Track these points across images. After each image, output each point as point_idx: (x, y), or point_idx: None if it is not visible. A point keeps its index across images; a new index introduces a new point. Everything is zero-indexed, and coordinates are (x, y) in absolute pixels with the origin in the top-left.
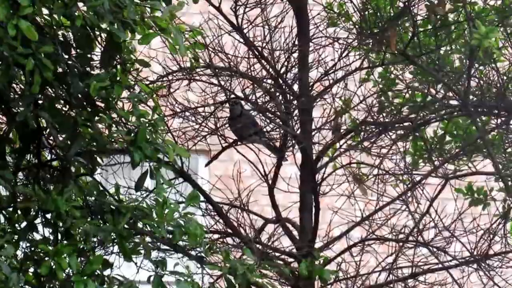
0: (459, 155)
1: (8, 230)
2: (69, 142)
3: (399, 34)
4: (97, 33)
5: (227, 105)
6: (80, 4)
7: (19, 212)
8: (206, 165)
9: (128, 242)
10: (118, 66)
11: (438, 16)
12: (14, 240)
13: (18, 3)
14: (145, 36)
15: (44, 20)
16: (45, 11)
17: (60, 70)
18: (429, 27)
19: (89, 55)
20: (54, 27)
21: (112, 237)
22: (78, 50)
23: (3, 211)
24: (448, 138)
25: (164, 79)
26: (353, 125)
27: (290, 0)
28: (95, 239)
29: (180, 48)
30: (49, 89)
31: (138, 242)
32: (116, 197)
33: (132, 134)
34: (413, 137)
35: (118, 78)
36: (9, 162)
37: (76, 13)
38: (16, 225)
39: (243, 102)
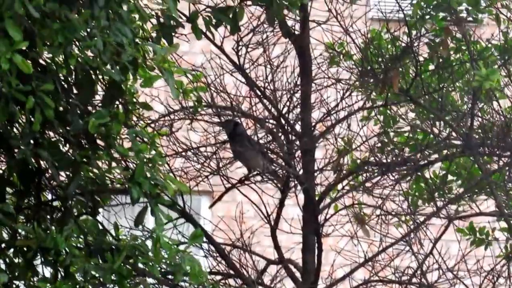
0: (462, 195)
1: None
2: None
3: (402, 74)
4: (99, 73)
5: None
6: None
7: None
8: (210, 207)
9: (128, 282)
10: (120, 106)
11: (440, 56)
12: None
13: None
14: (148, 80)
15: (44, 59)
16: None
17: (60, 108)
18: (432, 66)
19: (90, 94)
20: (55, 66)
21: (113, 277)
22: (79, 89)
23: (3, 254)
24: (450, 177)
25: (166, 118)
26: (355, 166)
27: (292, 40)
28: (96, 281)
29: (172, 92)
30: (49, 127)
31: (138, 282)
32: (116, 236)
33: (130, 170)
34: (415, 178)
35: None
36: (9, 203)
37: (71, 53)
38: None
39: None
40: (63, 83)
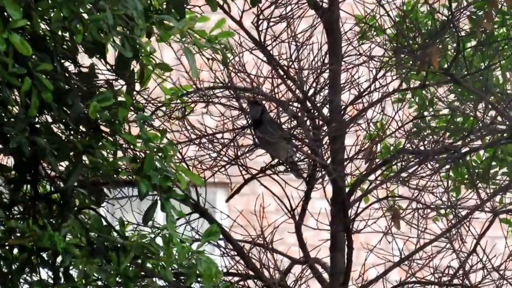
0: (510, 186)
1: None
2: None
3: (441, 51)
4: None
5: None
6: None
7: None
8: (227, 200)
9: (134, 285)
10: (124, 88)
11: (484, 31)
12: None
13: (10, 16)
14: (165, 34)
15: (43, 32)
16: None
17: (59, 90)
18: (474, 43)
19: (93, 72)
20: (53, 43)
21: (117, 279)
22: (80, 68)
23: None
24: (495, 163)
25: (178, 101)
26: (389, 154)
27: (319, 14)
28: (99, 282)
29: (192, 71)
30: (47, 112)
31: (146, 285)
32: (121, 233)
33: (139, 161)
34: (456, 164)
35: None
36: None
37: (77, 27)
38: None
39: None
40: (62, 61)
